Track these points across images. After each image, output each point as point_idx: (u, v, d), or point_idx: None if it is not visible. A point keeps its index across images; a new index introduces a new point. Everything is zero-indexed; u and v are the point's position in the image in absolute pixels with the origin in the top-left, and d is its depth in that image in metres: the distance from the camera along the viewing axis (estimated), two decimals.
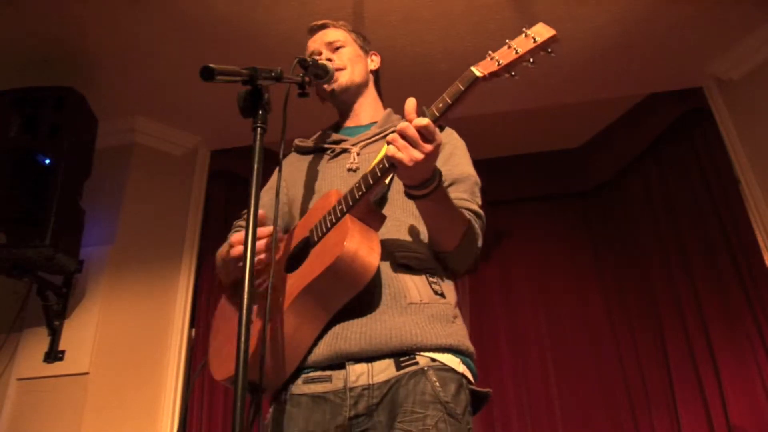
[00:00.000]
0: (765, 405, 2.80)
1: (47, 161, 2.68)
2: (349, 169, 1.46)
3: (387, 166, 1.16)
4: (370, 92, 1.65)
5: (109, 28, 2.74)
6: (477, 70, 1.12)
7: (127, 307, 2.99)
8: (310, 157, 1.59)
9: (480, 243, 1.38)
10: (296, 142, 1.64)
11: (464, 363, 1.27)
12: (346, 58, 1.57)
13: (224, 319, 1.44)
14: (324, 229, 1.25)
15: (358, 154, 1.48)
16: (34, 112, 2.71)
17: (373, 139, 1.52)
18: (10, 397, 2.75)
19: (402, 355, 1.19)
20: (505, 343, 3.58)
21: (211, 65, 1.10)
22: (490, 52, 1.13)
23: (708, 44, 3.08)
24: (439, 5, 2.72)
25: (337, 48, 1.59)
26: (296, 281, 1.21)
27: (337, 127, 1.65)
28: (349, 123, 1.62)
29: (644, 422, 3.24)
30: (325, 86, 1.54)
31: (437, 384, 1.18)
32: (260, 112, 1.17)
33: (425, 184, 1.17)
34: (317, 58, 1.56)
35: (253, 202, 1.10)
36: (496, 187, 3.80)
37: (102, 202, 3.11)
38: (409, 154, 1.10)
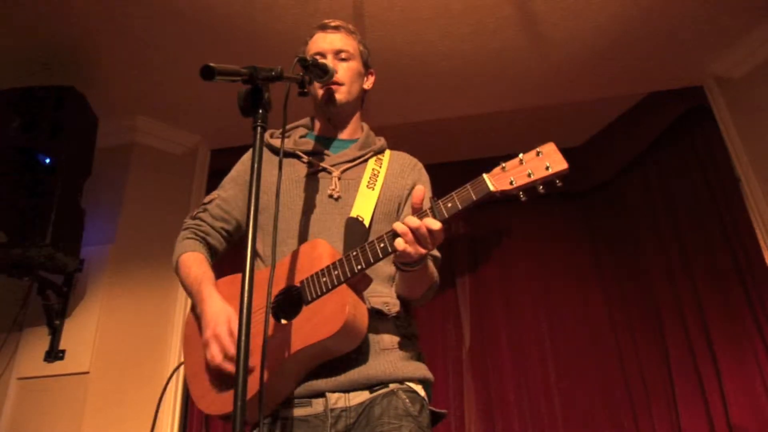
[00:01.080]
0: (765, 404, 2.80)
1: (47, 161, 2.68)
2: (330, 196, 1.48)
3: (390, 250, 1.24)
4: (357, 111, 1.65)
5: (109, 28, 2.74)
6: (491, 183, 1.19)
7: (128, 307, 2.99)
8: (285, 162, 1.52)
9: (438, 285, 1.49)
10: (267, 138, 1.59)
11: (425, 389, 1.41)
12: (348, 75, 1.57)
13: (196, 338, 1.42)
14: (318, 291, 1.29)
15: (339, 179, 1.50)
16: (34, 112, 2.72)
17: (354, 163, 1.54)
18: (11, 396, 2.75)
19: (377, 385, 1.33)
20: (505, 342, 3.58)
21: (212, 64, 1.10)
22: (502, 164, 1.20)
23: (708, 43, 3.08)
24: (438, 4, 2.72)
25: (343, 59, 1.57)
26: (288, 339, 1.27)
27: (313, 127, 1.64)
28: (329, 133, 1.61)
29: (644, 421, 3.25)
30: (321, 92, 1.53)
31: (408, 401, 1.32)
32: (260, 111, 1.18)
33: (417, 264, 1.28)
34: (318, 59, 1.55)
35: (253, 201, 1.10)
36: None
37: (102, 202, 3.11)
38: (416, 249, 1.21)
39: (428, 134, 3.54)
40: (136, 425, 2.79)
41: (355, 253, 1.27)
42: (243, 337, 0.98)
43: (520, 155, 1.19)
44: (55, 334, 2.82)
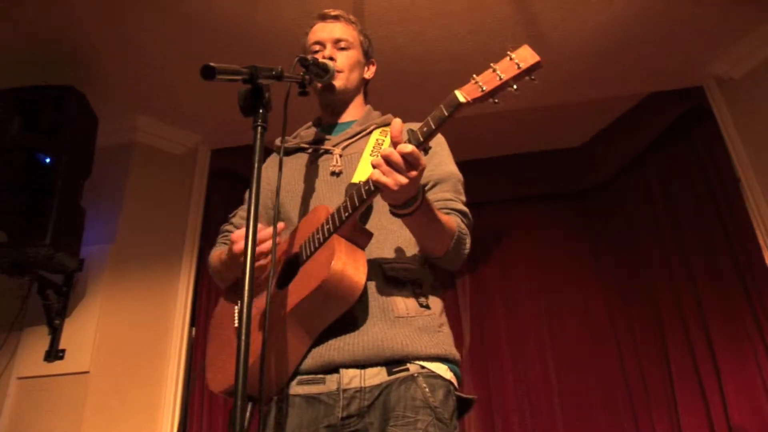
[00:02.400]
0: (765, 404, 2.80)
1: (48, 160, 2.68)
2: (332, 173, 1.47)
3: (372, 189, 1.18)
4: (358, 97, 1.65)
5: (109, 27, 2.74)
6: (461, 95, 1.12)
7: (128, 306, 2.99)
8: (291, 158, 1.58)
9: (468, 242, 1.40)
10: (276, 142, 1.60)
11: (451, 370, 1.32)
12: (347, 63, 1.56)
13: (218, 327, 1.45)
14: (312, 248, 1.27)
15: (340, 156, 1.49)
16: (34, 111, 2.71)
17: (355, 138, 1.53)
18: (11, 396, 2.75)
19: (393, 363, 1.25)
20: (505, 342, 3.58)
21: (212, 64, 1.10)
22: (474, 75, 1.14)
23: (708, 43, 3.08)
24: (438, 4, 2.72)
25: (342, 48, 1.58)
26: (285, 300, 1.25)
27: (318, 123, 1.66)
28: (331, 120, 1.62)
29: (645, 422, 3.25)
30: (319, 84, 1.52)
31: (427, 390, 1.23)
32: (261, 110, 1.17)
33: (409, 203, 1.20)
34: (319, 49, 1.56)
35: (253, 201, 1.10)
36: (497, 187, 3.81)
37: (102, 201, 3.11)
38: (395, 179, 1.12)
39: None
40: (136, 425, 2.79)
41: (344, 203, 1.24)
42: (243, 337, 0.98)
43: (492, 64, 1.12)
44: (55, 333, 2.82)
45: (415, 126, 1.58)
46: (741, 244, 3.05)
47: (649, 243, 3.55)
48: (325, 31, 1.59)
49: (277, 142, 1.59)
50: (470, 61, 3.00)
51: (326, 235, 1.25)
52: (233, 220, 1.64)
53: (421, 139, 1.15)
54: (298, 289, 1.24)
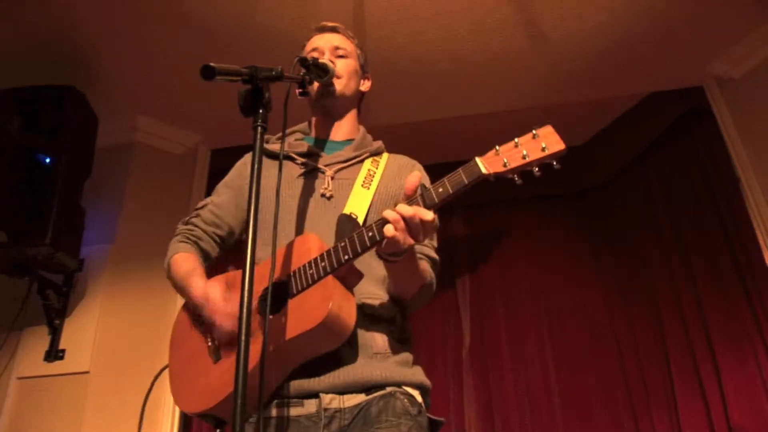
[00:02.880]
0: (765, 404, 2.80)
1: (48, 160, 2.68)
2: (323, 195, 1.45)
3: (378, 239, 1.18)
4: (353, 111, 1.64)
5: (109, 28, 2.74)
6: (483, 166, 1.14)
7: (128, 306, 2.99)
8: (276, 163, 1.44)
9: (434, 288, 1.45)
10: (268, 146, 1.57)
11: (422, 395, 1.36)
12: (345, 70, 1.56)
13: (183, 338, 1.41)
14: (305, 284, 1.25)
15: (332, 179, 1.47)
16: (34, 111, 2.72)
17: (348, 164, 1.51)
18: (11, 395, 2.75)
19: (372, 389, 1.27)
20: (505, 343, 3.58)
21: (212, 64, 1.10)
22: (496, 147, 1.15)
23: (708, 43, 3.08)
24: (438, 4, 2.72)
25: (341, 56, 1.58)
26: (273, 332, 1.23)
27: (309, 133, 1.63)
28: (323, 134, 1.60)
29: (645, 422, 3.25)
30: (316, 83, 1.51)
31: (406, 401, 1.28)
32: (260, 111, 1.17)
33: (401, 253, 1.22)
34: (317, 56, 1.55)
35: (253, 201, 1.10)
36: (497, 187, 3.79)
37: (102, 201, 3.11)
38: (406, 239, 1.15)
39: (428, 134, 3.53)
40: (135, 425, 2.78)
41: (343, 244, 1.22)
42: (243, 337, 0.98)
43: (516, 139, 1.14)
44: (55, 333, 2.82)
45: (406, 159, 1.60)
46: (741, 244, 3.05)
47: (649, 243, 3.55)
48: (323, 39, 1.60)
49: (270, 145, 1.57)
50: (470, 61, 3.00)
51: (321, 273, 1.24)
52: (201, 213, 1.57)
53: (436, 200, 1.15)
54: (289, 326, 1.23)
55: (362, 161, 1.54)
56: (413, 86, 3.15)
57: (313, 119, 1.65)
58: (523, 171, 1.14)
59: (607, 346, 3.52)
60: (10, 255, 2.58)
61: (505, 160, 1.12)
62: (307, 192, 1.47)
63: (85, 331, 2.84)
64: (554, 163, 1.13)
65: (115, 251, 3.06)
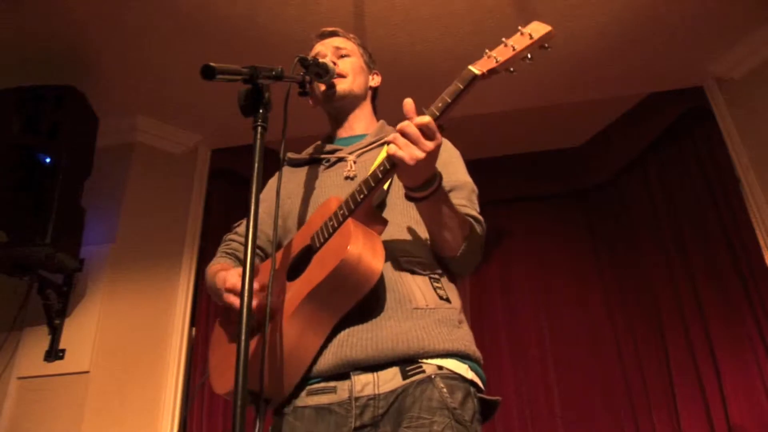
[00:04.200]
0: (765, 404, 2.80)
1: (48, 160, 2.67)
2: (347, 177, 1.44)
3: (388, 167, 1.15)
4: (367, 106, 1.63)
5: (109, 27, 2.74)
6: (475, 69, 1.13)
7: (128, 306, 2.99)
8: (304, 169, 1.56)
9: (482, 247, 1.38)
10: (288, 155, 1.61)
11: (472, 369, 1.24)
12: (350, 67, 1.57)
13: (223, 332, 1.43)
14: (326, 235, 1.23)
15: (354, 162, 1.47)
16: (34, 111, 2.71)
17: (368, 147, 1.51)
18: (11, 395, 2.75)
19: (408, 362, 1.17)
20: (505, 342, 3.58)
21: (212, 64, 1.10)
22: (487, 50, 1.14)
23: (709, 43, 3.08)
24: (439, 4, 2.72)
25: (343, 56, 1.59)
26: (299, 289, 1.20)
27: (330, 138, 1.64)
28: (342, 133, 1.60)
29: (644, 422, 3.25)
30: (323, 87, 1.52)
31: (445, 390, 1.15)
32: (261, 110, 1.17)
33: (426, 185, 1.17)
34: (320, 59, 1.55)
35: (253, 200, 1.10)
36: (497, 187, 3.80)
37: (102, 201, 3.11)
38: (410, 152, 1.10)
39: None
40: (136, 425, 2.79)
41: (358, 188, 1.20)
42: (243, 337, 0.98)
43: (504, 39, 1.13)
44: (55, 333, 2.82)
45: None
46: (741, 244, 3.05)
47: (649, 243, 3.55)
48: (324, 45, 1.61)
49: (290, 155, 1.59)
50: (471, 61, 2.99)
51: (340, 220, 1.20)
52: (237, 229, 1.61)
53: (437, 113, 1.13)
54: (312, 277, 1.18)
55: (382, 145, 1.51)
56: (413, 86, 3.15)
57: (329, 123, 1.65)
58: (516, 61, 1.13)
59: (607, 345, 3.51)
60: (10, 255, 2.58)
61: (497, 58, 1.13)
62: (331, 179, 1.47)
63: (85, 331, 2.84)
64: (546, 45, 1.11)
65: (115, 251, 3.06)
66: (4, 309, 2.91)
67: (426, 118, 1.11)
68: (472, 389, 1.21)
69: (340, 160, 1.50)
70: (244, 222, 1.58)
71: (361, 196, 1.19)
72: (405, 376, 1.16)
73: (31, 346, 2.84)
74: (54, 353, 2.79)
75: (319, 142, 1.64)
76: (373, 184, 1.18)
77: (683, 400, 3.11)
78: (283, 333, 1.18)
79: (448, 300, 1.28)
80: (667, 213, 3.50)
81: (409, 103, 1.13)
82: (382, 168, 1.17)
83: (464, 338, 1.26)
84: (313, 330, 1.19)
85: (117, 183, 3.22)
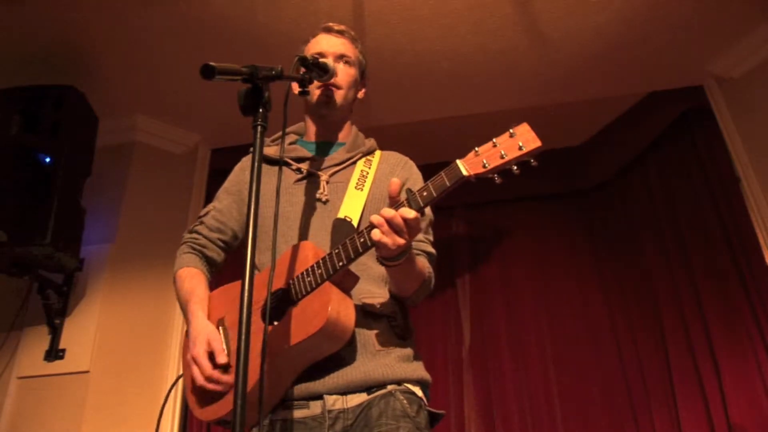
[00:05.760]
0: (765, 403, 2.80)
1: (48, 160, 2.68)
2: (319, 200, 1.49)
3: (369, 244, 1.23)
4: (347, 116, 1.67)
5: (109, 27, 2.74)
6: (464, 168, 1.18)
7: (128, 306, 2.99)
8: (274, 170, 1.48)
9: (433, 282, 1.49)
10: (268, 150, 1.60)
11: (422, 389, 1.41)
12: (347, 80, 1.59)
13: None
14: (304, 291, 1.30)
15: (327, 183, 1.51)
16: (34, 111, 2.72)
17: (342, 166, 1.55)
18: (11, 395, 2.75)
19: (374, 388, 1.32)
20: (505, 342, 3.57)
21: (212, 63, 1.10)
22: (476, 148, 1.19)
23: (708, 43, 3.08)
24: (438, 3, 2.72)
25: (346, 63, 1.60)
26: (277, 339, 1.28)
27: (302, 136, 1.66)
28: (318, 137, 1.63)
29: (645, 421, 3.24)
30: (317, 92, 1.53)
31: (405, 402, 1.32)
32: (260, 110, 1.17)
33: (400, 256, 1.27)
34: (318, 58, 1.55)
35: (253, 200, 1.10)
36: (497, 186, 3.79)
37: (102, 201, 3.11)
38: (394, 240, 1.19)
39: (427, 134, 3.53)
40: (136, 425, 2.79)
41: (337, 251, 1.28)
42: (243, 337, 0.98)
43: (494, 139, 1.18)
44: (56, 333, 2.83)
45: (398, 157, 1.63)
46: (741, 244, 3.05)
47: (649, 243, 3.55)
48: (329, 43, 1.61)
49: (267, 149, 1.59)
50: (470, 60, 3.00)
51: (318, 281, 1.29)
52: (204, 220, 1.62)
53: (422, 204, 1.20)
54: (291, 333, 1.28)
55: (355, 162, 1.57)
56: (413, 86, 3.15)
57: (308, 120, 1.67)
58: (503, 170, 1.17)
59: (607, 345, 3.51)
60: (10, 254, 2.58)
61: (485, 161, 1.17)
62: (304, 197, 1.51)
63: (85, 330, 2.85)
64: (532, 160, 1.16)
65: (115, 251, 3.06)
66: (4, 309, 2.91)
67: (412, 213, 1.18)
68: (422, 403, 1.38)
69: (313, 175, 1.53)
70: (211, 211, 1.60)
71: (341, 263, 1.26)
72: (369, 393, 1.32)
73: (31, 345, 2.84)
74: (54, 353, 2.79)
75: (289, 134, 1.65)
76: (352, 256, 1.26)
77: (683, 400, 3.11)
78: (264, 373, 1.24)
79: (403, 338, 1.43)
80: (667, 212, 3.50)
81: (395, 184, 1.22)
82: (362, 241, 1.25)
83: (418, 369, 1.42)
84: (288, 372, 1.31)
85: (117, 183, 3.22)
